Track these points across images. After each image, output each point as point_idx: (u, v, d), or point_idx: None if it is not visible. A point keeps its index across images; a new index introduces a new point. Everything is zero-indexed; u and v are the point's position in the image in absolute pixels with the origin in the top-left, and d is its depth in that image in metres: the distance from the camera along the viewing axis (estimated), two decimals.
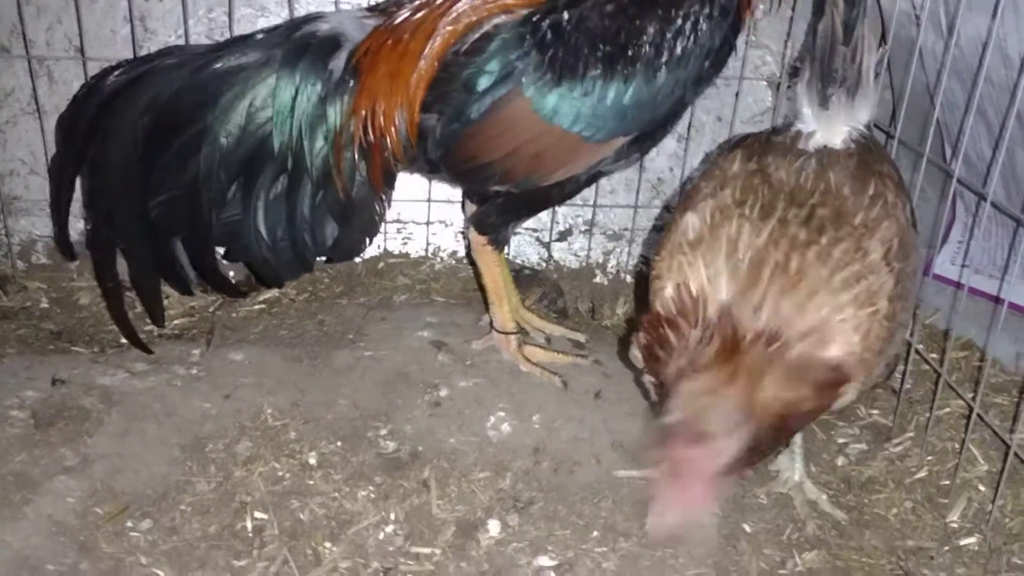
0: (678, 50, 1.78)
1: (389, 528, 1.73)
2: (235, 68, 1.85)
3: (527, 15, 1.80)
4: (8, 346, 2.18)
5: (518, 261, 2.57)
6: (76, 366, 2.01)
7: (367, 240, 2.02)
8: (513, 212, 2.00)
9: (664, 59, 1.78)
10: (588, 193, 2.51)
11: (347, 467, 1.84)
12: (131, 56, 2.29)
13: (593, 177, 1.97)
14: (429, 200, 2.50)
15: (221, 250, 2.02)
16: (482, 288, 2.15)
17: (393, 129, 1.86)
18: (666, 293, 1.53)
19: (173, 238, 1.94)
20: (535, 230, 2.57)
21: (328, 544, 1.68)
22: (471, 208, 2.13)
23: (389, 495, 1.79)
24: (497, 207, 1.98)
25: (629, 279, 2.60)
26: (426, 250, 2.58)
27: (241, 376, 1.99)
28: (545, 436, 1.94)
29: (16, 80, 2.33)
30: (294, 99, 1.85)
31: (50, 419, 1.84)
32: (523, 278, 2.47)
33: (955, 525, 1.80)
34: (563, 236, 2.60)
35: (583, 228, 2.59)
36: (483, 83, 1.80)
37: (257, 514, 1.73)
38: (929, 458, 1.93)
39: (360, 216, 1.95)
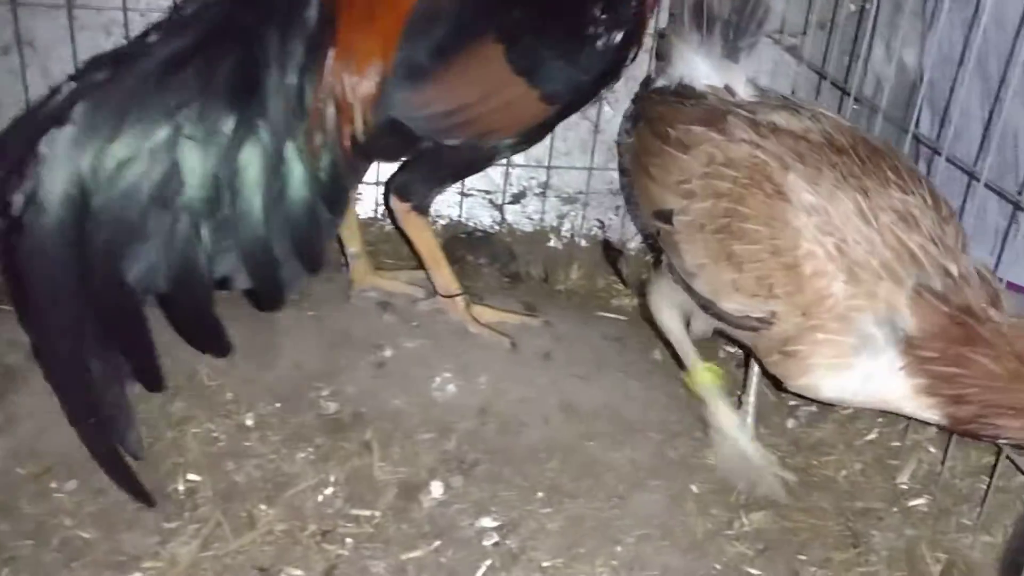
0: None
1: (328, 490, 1.68)
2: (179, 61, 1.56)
3: None
4: None
5: (470, 224, 2.52)
6: (1, 323, 1.92)
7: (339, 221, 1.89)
8: (437, 178, 1.95)
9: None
10: (542, 154, 2.47)
11: (286, 428, 1.78)
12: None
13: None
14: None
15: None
16: (416, 256, 2.10)
17: (367, 92, 1.75)
18: (836, 288, 1.40)
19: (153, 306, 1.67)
20: (488, 192, 2.51)
21: (264, 506, 1.63)
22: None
23: (329, 457, 1.74)
24: (421, 173, 1.93)
25: (584, 243, 2.55)
26: (376, 211, 2.51)
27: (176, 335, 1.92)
28: (492, 397, 1.90)
29: None
30: (275, 76, 1.62)
31: None
32: (475, 241, 2.42)
33: (904, 486, 1.79)
34: (517, 199, 2.54)
35: (537, 191, 2.54)
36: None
37: (190, 476, 1.67)
38: (879, 420, 1.92)
39: (343, 194, 1.81)
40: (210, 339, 1.71)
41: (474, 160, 1.96)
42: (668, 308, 1.80)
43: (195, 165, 1.56)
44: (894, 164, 1.52)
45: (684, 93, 1.76)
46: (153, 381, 1.65)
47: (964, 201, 1.80)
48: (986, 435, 1.42)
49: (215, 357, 1.76)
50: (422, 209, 1.98)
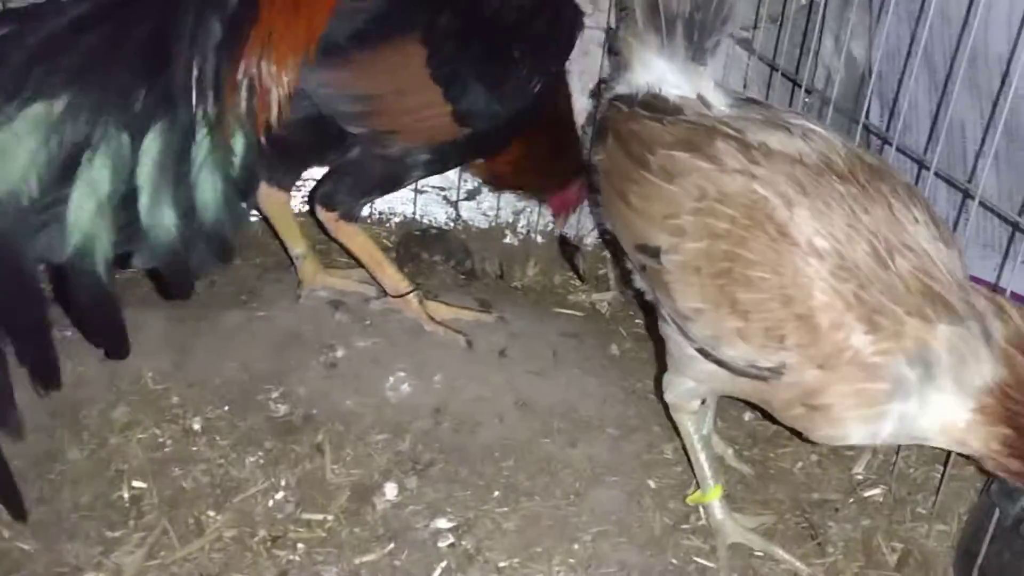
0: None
1: (279, 495, 1.64)
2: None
3: None
4: None
5: (425, 220, 2.48)
6: None
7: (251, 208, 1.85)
8: (359, 188, 1.93)
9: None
10: None
11: (234, 432, 1.74)
12: None
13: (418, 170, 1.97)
14: None
15: None
16: (358, 262, 2.07)
17: (286, 71, 1.69)
18: (856, 340, 1.29)
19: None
20: (442, 188, 2.48)
21: (212, 513, 1.59)
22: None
23: (280, 460, 1.69)
24: (345, 183, 1.92)
25: (540, 239, 2.53)
26: None
27: None
28: (447, 396, 1.87)
29: None
30: (190, 50, 1.56)
31: None
32: (430, 238, 2.39)
33: (860, 477, 1.79)
34: (471, 195, 2.51)
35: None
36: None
37: (135, 483, 1.62)
38: None
39: (256, 182, 1.73)
40: (107, 328, 1.58)
41: (394, 172, 1.94)
42: (690, 401, 1.61)
43: (98, 133, 1.46)
44: (894, 187, 1.40)
45: (656, 105, 1.57)
46: (48, 371, 1.51)
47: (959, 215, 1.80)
48: None
49: (111, 353, 1.66)
50: (349, 217, 1.96)
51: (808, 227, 1.33)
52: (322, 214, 1.95)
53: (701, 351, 1.46)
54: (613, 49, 1.76)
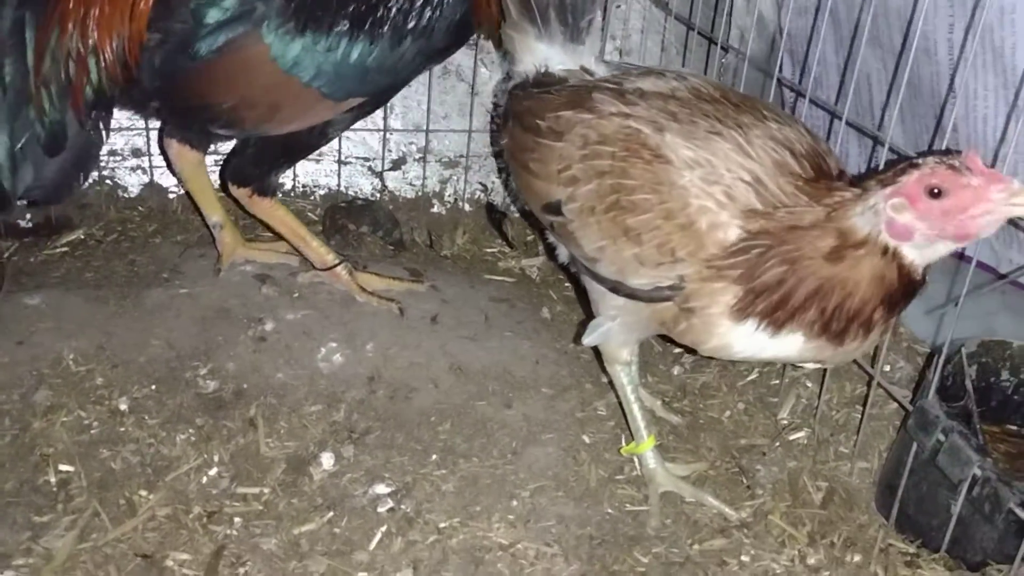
0: (424, 20, 1.75)
1: (212, 471, 1.62)
2: None
3: None
4: None
5: (350, 192, 2.45)
6: None
7: (81, 176, 1.79)
8: (267, 161, 1.89)
9: (411, 26, 1.74)
10: (420, 119, 2.42)
11: (163, 411, 1.71)
12: None
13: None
14: None
15: None
16: (281, 237, 2.04)
17: (110, 43, 1.64)
18: (733, 233, 1.38)
19: None
20: (367, 159, 2.45)
21: (144, 492, 1.56)
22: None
23: (212, 437, 1.67)
24: (250, 157, 1.88)
25: (467, 208, 2.53)
26: None
27: (37, 321, 1.81)
28: (380, 364, 1.86)
29: None
30: None
31: None
32: (356, 209, 2.36)
33: (785, 421, 1.84)
34: (397, 165, 2.49)
35: (417, 156, 2.49)
36: (213, 16, 1.65)
37: (62, 466, 1.58)
38: None
39: (70, 147, 1.68)
40: None
41: (300, 142, 1.89)
42: (625, 353, 1.66)
43: None
44: (767, 106, 1.54)
45: (545, 81, 1.69)
46: None
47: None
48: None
49: None
50: (264, 191, 1.92)
51: (678, 143, 1.44)
52: (235, 191, 1.92)
53: (614, 289, 1.53)
54: (504, 50, 1.79)
